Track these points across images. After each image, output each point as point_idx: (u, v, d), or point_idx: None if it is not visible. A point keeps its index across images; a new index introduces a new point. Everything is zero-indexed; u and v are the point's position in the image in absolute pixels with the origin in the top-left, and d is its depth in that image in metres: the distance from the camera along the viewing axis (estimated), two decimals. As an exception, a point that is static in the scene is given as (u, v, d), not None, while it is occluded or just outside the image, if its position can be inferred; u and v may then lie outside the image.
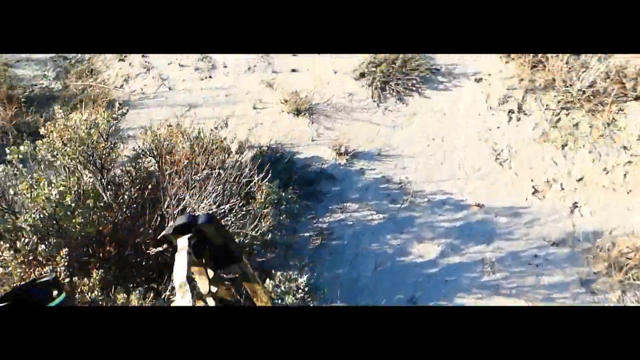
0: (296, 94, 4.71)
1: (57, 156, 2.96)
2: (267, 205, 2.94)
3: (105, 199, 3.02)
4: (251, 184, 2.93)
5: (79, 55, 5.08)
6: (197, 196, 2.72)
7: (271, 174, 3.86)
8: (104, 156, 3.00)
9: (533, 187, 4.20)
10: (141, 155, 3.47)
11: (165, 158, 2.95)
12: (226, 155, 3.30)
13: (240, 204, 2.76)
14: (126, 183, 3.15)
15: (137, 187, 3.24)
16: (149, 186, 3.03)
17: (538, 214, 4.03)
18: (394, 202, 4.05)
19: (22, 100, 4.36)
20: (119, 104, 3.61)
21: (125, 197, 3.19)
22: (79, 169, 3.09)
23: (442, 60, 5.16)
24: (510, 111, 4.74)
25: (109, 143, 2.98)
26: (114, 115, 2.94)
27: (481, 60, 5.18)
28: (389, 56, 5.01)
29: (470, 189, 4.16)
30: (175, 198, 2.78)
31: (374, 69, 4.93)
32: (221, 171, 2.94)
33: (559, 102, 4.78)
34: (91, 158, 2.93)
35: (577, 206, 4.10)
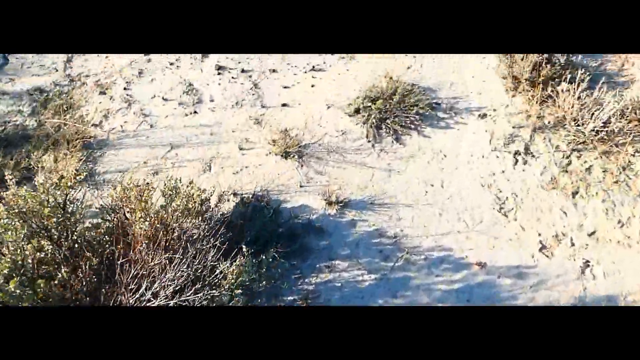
0: (285, 132, 4.39)
1: (7, 228, 2.67)
2: (237, 287, 2.62)
3: (61, 274, 2.72)
4: (217, 270, 2.61)
5: (58, 87, 4.80)
6: (157, 282, 2.41)
7: (252, 229, 3.55)
8: (60, 227, 2.70)
9: (540, 242, 3.85)
10: (109, 213, 3.18)
11: (126, 232, 2.65)
12: (199, 220, 2.99)
13: (207, 290, 2.45)
14: (86, 253, 2.85)
15: (99, 255, 2.94)
16: (107, 261, 2.72)
17: (545, 275, 3.67)
18: (387, 260, 3.71)
19: (-10, 143, 4.09)
20: (82, 164, 3.30)
21: (87, 267, 2.89)
22: (35, 238, 2.80)
23: (444, 93, 4.81)
24: (517, 153, 4.38)
25: (66, 214, 2.68)
26: (70, 184, 2.63)
27: (486, 93, 4.82)
28: (387, 90, 4.68)
29: (471, 244, 3.81)
30: (134, 282, 2.48)
31: (369, 105, 4.59)
32: (188, 245, 2.62)
33: (569, 143, 4.41)
34: (44, 232, 2.63)
35: (588, 265, 3.74)
